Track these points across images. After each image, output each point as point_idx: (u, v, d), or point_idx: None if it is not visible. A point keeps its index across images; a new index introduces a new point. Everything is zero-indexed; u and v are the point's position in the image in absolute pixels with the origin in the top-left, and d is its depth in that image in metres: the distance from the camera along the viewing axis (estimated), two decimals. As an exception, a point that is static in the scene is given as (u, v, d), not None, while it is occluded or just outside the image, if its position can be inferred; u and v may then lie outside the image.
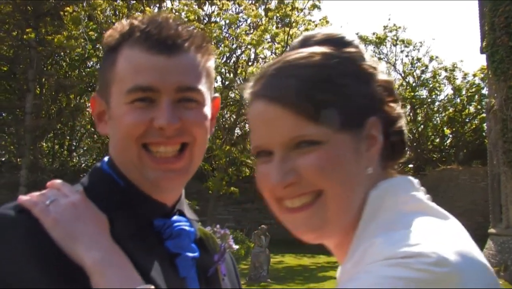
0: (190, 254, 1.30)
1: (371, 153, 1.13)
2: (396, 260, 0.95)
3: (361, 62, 1.17)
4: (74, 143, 31.59)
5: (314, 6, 25.20)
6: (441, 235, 1.01)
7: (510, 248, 15.84)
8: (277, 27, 24.11)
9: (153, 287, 1.09)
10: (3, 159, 27.83)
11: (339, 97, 1.10)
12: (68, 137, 30.71)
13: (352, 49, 1.17)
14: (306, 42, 1.21)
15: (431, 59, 34.11)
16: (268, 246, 16.66)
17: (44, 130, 26.29)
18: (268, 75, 1.14)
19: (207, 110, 1.31)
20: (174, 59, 1.24)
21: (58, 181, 1.26)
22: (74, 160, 31.27)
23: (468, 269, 0.97)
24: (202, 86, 1.28)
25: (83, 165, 30.21)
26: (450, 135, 33.56)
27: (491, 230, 17.33)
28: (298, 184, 1.09)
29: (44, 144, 29.30)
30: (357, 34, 26.15)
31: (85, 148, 32.35)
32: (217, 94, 1.40)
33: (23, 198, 1.19)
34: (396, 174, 1.19)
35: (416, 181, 1.16)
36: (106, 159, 1.35)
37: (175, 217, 1.32)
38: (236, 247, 1.45)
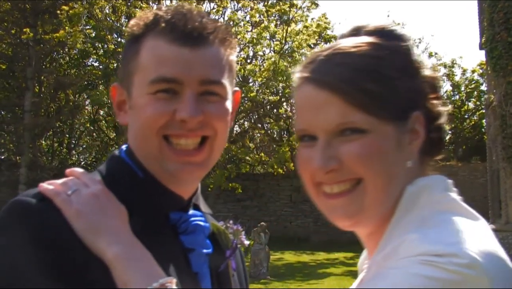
0: (204, 250, 1.30)
1: (412, 147, 1.14)
2: (428, 257, 0.96)
3: (409, 56, 1.18)
4: (74, 141, 31.44)
5: (312, 4, 25.13)
6: (472, 236, 1.02)
7: (510, 243, 15.84)
8: (275, 25, 24.03)
9: (175, 280, 1.09)
10: (3, 157, 27.70)
11: (386, 88, 1.11)
12: (67, 135, 30.54)
13: (402, 43, 1.19)
14: (357, 32, 1.22)
15: (430, 55, 33.99)
16: (267, 243, 16.65)
17: (43, 128, 26.18)
18: (318, 61, 1.15)
19: (229, 104, 1.31)
20: (198, 51, 1.24)
21: (78, 170, 1.26)
22: (74, 158, 31.11)
23: (497, 272, 0.99)
24: (225, 80, 1.28)
25: (83, 162, 30.12)
26: (449, 132, 33.50)
27: (491, 226, 17.17)
28: (340, 171, 1.11)
29: (43, 142, 29.19)
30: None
31: (84, 146, 32.21)
32: (237, 88, 1.39)
33: (44, 187, 1.18)
34: (432, 171, 1.20)
35: (450, 181, 1.17)
36: (124, 147, 1.34)
37: (191, 211, 1.33)
38: (247, 242, 1.46)
